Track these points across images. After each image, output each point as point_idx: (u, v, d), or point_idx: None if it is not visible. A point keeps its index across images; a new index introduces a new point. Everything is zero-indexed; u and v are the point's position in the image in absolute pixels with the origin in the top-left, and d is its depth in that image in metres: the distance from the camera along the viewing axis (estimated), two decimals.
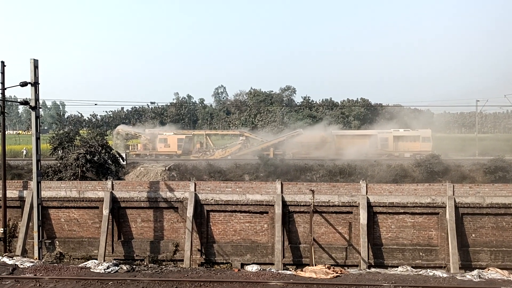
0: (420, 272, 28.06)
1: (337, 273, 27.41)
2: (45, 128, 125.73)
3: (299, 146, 58.53)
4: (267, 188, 30.84)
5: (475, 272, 27.56)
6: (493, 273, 27.45)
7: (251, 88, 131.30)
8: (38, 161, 27.56)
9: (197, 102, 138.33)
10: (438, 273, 27.89)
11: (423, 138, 56.97)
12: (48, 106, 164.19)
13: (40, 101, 28.00)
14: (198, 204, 31.11)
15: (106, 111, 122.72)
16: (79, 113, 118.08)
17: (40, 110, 28.03)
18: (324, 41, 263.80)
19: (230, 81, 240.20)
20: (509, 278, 26.65)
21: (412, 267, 29.15)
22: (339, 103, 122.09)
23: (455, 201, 29.56)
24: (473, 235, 29.76)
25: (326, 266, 28.29)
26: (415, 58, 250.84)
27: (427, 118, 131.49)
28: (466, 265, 29.21)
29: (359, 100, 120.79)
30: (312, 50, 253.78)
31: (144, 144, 62.71)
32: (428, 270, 28.28)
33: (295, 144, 58.94)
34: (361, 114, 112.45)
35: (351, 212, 30.37)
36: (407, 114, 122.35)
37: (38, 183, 27.79)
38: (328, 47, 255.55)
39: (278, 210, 30.22)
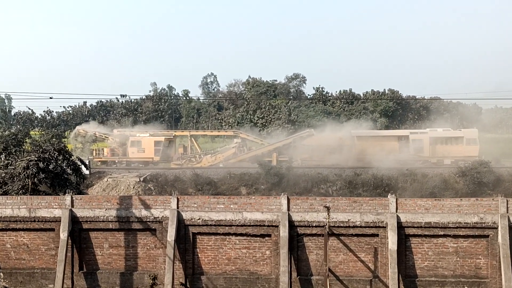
0: None
1: None
2: None
3: (310, 150, 58.65)
4: (270, 205, 30.80)
5: None
6: None
7: (249, 77, 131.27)
8: None
9: (180, 95, 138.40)
10: None
11: (467, 140, 56.97)
12: None
13: None
14: (181, 225, 31.06)
15: (64, 107, 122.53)
16: (29, 109, 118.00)
17: None
18: (340, 17, 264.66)
19: (222, 68, 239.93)
20: None
21: None
22: (361, 95, 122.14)
23: (509, 220, 29.54)
24: None
25: None
26: (456, 39, 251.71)
27: (473, 115, 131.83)
28: None
29: (386, 91, 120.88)
30: (326, 29, 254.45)
31: (112, 149, 62.73)
32: None
33: (305, 148, 59.07)
34: (389, 109, 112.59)
35: (377, 235, 30.33)
36: (447, 109, 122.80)
37: None
38: (346, 25, 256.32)
39: (283, 232, 30.18)
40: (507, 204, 29.80)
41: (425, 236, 30.21)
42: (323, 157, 57.01)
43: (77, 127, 71.25)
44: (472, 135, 57.92)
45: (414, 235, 30.23)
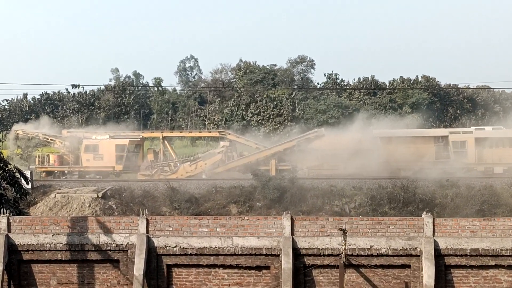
0: None
1: None
2: None
3: (319, 156, 58.59)
4: (269, 227, 30.81)
5: None
6: None
7: (240, 61, 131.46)
8: None
9: (151, 85, 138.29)
10: None
11: None
12: None
13: None
14: (152, 255, 31.02)
15: None
16: None
17: None
18: None
19: (205, 49, 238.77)
20: None
21: None
22: (387, 84, 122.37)
23: None
24: None
25: None
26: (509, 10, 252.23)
27: None
28: None
29: (419, 79, 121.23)
30: (339, 1, 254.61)
31: (60, 155, 62.57)
32: None
33: (313, 152, 59.00)
34: (424, 102, 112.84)
35: (409, 266, 30.38)
36: (499, 101, 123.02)
37: None
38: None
39: (286, 263, 30.18)
40: None
41: (472, 267, 30.24)
42: (337, 165, 56.97)
43: (14, 128, 70.91)
44: None
45: (457, 266, 30.27)
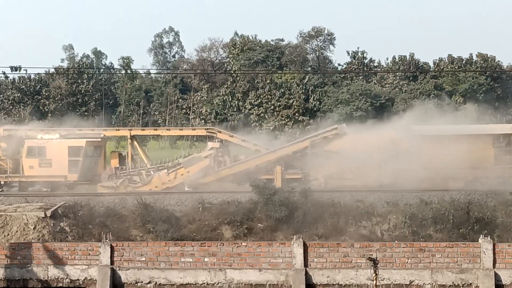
0: None
1: None
2: None
3: (340, 161, 58.56)
4: (274, 256, 30.94)
5: None
6: None
7: (236, 34, 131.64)
8: None
9: (117, 67, 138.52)
10: None
11: None
12: None
13: None
14: None
15: None
16: None
17: None
18: None
19: (189, 20, 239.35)
20: None
21: None
22: (431, 65, 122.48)
23: None
24: None
25: None
26: None
27: None
28: None
29: (474, 59, 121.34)
30: None
31: None
32: None
33: (332, 157, 58.93)
34: (480, 88, 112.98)
35: None
36: None
37: None
38: None
39: None
40: None
41: None
42: (363, 173, 56.83)
43: None
44: None
45: None
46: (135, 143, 64.49)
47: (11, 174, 60.85)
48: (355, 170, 57.37)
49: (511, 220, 42.04)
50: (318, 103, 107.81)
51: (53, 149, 60.69)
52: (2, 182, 60.80)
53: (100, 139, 63.38)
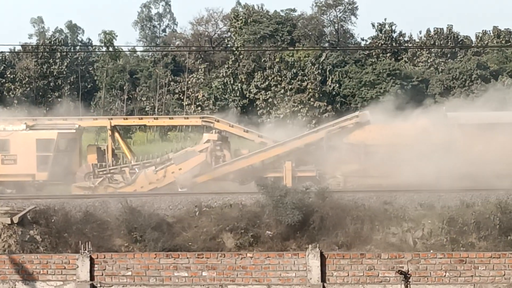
0: None
1: None
2: None
3: (362, 155, 58.59)
4: (286, 269, 31.08)
5: None
6: None
7: (238, 3, 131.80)
8: None
9: (96, 44, 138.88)
10: None
11: None
12: None
13: None
14: None
15: None
16: None
17: None
18: None
19: None
20: None
21: None
22: (473, 39, 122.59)
23: None
24: None
25: None
26: None
27: None
28: None
29: None
30: None
31: None
32: None
33: (353, 150, 58.99)
34: None
35: None
36: None
37: None
38: None
39: None
40: None
41: None
42: (391, 170, 56.86)
43: None
44: None
45: None
46: (117, 135, 64.49)
47: None
48: (380, 166, 57.45)
49: None
50: (337, 85, 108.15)
51: (19, 143, 60.81)
52: None
53: (74, 131, 63.43)
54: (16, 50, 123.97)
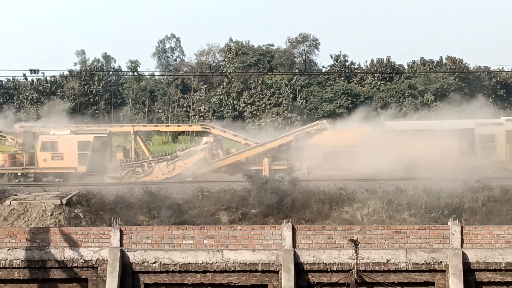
0: None
1: None
2: None
3: (320, 153, 58.59)
4: (266, 239, 31.02)
5: None
6: None
7: (231, 40, 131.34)
8: None
9: (124, 69, 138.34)
10: None
11: None
12: None
13: None
14: (127, 272, 31.18)
15: None
16: None
17: None
18: None
19: (189, 28, 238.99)
20: None
21: None
22: (405, 67, 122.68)
23: None
24: None
25: None
26: None
27: None
28: None
29: (444, 61, 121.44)
30: None
31: (12, 154, 62.25)
32: None
33: (314, 149, 58.98)
34: (449, 87, 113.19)
35: (432, 284, 30.66)
36: None
37: None
38: None
39: (287, 281, 30.35)
40: None
41: (507, 284, 30.46)
42: (342, 164, 56.82)
43: None
44: None
45: (490, 283, 30.52)
46: (138, 138, 64.43)
47: (27, 166, 60.73)
48: (335, 161, 57.43)
49: (476, 206, 42.15)
50: (304, 101, 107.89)
51: (64, 144, 60.54)
52: (19, 174, 60.63)
53: (106, 135, 63.31)
54: (64, 74, 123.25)
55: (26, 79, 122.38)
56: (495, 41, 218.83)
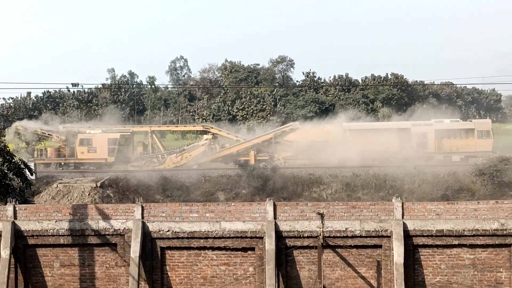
0: None
1: None
2: None
3: (293, 147, 58.66)
4: (253, 212, 30.94)
5: None
6: None
7: (226, 60, 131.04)
8: None
9: (144, 83, 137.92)
10: None
11: (479, 133, 57.13)
12: None
13: None
14: (147, 239, 31.07)
15: (3, 98, 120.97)
16: None
17: None
18: None
19: (194, 51, 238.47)
20: None
21: None
22: (360, 81, 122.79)
23: None
24: None
25: None
26: (470, 11, 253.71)
27: (491, 102, 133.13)
28: None
29: (389, 77, 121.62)
30: (316, 5, 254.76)
31: (57, 148, 62.11)
32: None
33: (288, 144, 59.09)
34: (393, 97, 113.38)
35: (380, 246, 30.64)
36: (461, 96, 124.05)
37: None
38: (339, 2, 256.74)
39: (269, 245, 30.30)
40: None
41: (437, 246, 30.55)
42: (310, 155, 56.96)
43: (15, 124, 70.13)
44: (484, 126, 57.99)
45: (424, 246, 30.55)
46: (154, 136, 64.49)
47: (68, 158, 60.69)
48: (305, 153, 57.55)
49: (414, 187, 42.29)
50: (283, 107, 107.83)
51: (97, 140, 60.53)
52: (63, 163, 60.65)
53: (129, 133, 63.30)
54: (98, 87, 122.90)
55: (69, 90, 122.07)
56: (428, 61, 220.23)
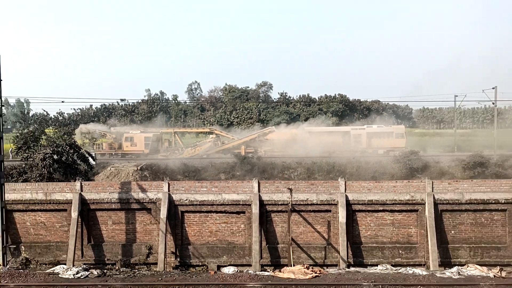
0: (400, 270, 28.67)
1: (316, 273, 27.79)
2: (8, 127, 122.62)
3: (271, 143, 58.66)
4: (244, 187, 30.97)
5: (455, 269, 28.33)
6: (472, 270, 28.26)
7: (226, 84, 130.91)
8: (1, 162, 27.07)
9: (170, 99, 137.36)
10: (418, 271, 28.57)
11: (396, 135, 57.73)
12: (12, 104, 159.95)
13: (3, 99, 27.47)
14: (172, 205, 31.01)
15: (73, 109, 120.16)
16: (44, 111, 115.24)
17: (3, 108, 27.59)
18: (300, 36, 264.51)
19: (204, 76, 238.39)
20: (488, 275, 27.46)
21: (392, 265, 29.75)
22: (317, 99, 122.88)
23: (434, 197, 30.22)
24: (452, 231, 30.49)
25: (305, 266, 28.65)
26: (393, 54, 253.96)
27: (405, 114, 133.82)
28: (446, 262, 29.90)
29: (337, 96, 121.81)
30: (289, 46, 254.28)
31: (109, 144, 61.99)
32: (408, 268, 28.92)
33: (268, 141, 59.12)
34: (339, 110, 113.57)
35: (330, 211, 30.73)
36: (385, 109, 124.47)
37: (1, 185, 27.29)
38: (304, 40, 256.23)
39: (255, 209, 30.35)
40: (432, 185, 30.54)
41: (368, 211, 30.74)
42: (281, 149, 57.13)
43: (80, 126, 70.15)
44: (399, 130, 59.06)
45: (360, 210, 30.73)
46: (176, 135, 64.52)
47: (117, 150, 60.45)
48: (278, 148, 57.64)
49: (353, 170, 42.35)
50: (265, 116, 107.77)
51: (137, 138, 60.41)
52: (113, 154, 60.38)
53: (159, 133, 63.24)
54: (139, 102, 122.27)
55: (118, 103, 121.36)
56: (364, 83, 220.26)
